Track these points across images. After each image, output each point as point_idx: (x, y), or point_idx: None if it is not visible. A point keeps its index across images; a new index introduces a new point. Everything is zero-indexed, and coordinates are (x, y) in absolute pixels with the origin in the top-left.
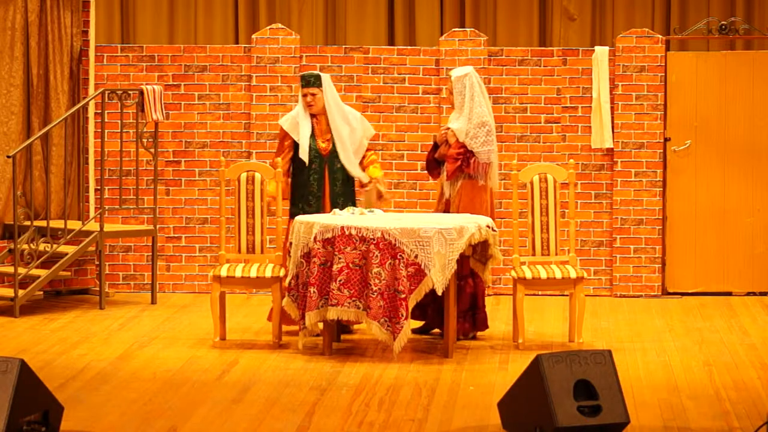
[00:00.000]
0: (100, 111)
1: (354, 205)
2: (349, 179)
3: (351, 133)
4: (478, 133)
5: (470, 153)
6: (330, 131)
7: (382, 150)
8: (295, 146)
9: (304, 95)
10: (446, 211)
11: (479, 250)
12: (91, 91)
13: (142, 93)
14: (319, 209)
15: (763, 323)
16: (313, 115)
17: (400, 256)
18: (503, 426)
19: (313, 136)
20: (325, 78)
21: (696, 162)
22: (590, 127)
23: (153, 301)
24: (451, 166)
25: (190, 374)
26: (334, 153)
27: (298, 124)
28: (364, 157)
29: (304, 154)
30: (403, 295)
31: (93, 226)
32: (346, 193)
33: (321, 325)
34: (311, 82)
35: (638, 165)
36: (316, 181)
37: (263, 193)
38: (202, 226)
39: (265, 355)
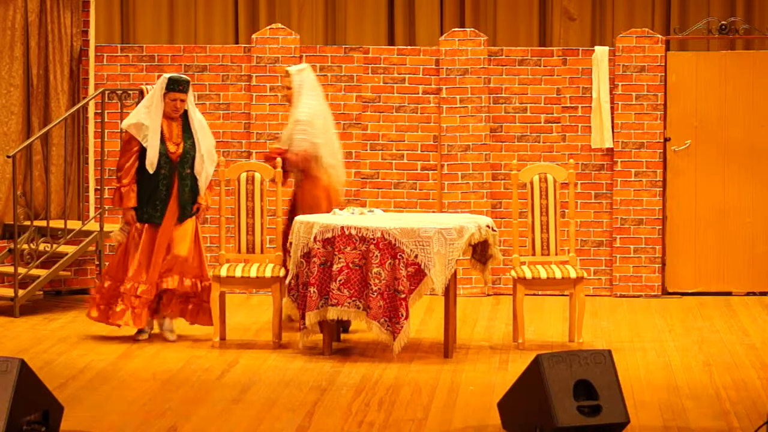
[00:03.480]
0: (100, 111)
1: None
2: (195, 185)
3: (203, 140)
4: (296, 128)
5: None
6: (182, 135)
7: (382, 150)
8: (141, 150)
9: (174, 100)
10: (292, 211)
11: (479, 250)
12: (91, 91)
13: (142, 93)
14: (164, 214)
15: (763, 323)
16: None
17: (400, 256)
18: (503, 426)
19: (161, 139)
20: (190, 84)
21: (696, 162)
22: (590, 127)
23: None
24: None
25: (190, 374)
26: (185, 158)
27: (143, 126)
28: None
29: (153, 160)
30: (403, 295)
31: (93, 226)
32: (192, 199)
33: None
34: (184, 87)
35: (638, 165)
36: (165, 186)
37: (263, 193)
38: (202, 226)
39: (265, 355)
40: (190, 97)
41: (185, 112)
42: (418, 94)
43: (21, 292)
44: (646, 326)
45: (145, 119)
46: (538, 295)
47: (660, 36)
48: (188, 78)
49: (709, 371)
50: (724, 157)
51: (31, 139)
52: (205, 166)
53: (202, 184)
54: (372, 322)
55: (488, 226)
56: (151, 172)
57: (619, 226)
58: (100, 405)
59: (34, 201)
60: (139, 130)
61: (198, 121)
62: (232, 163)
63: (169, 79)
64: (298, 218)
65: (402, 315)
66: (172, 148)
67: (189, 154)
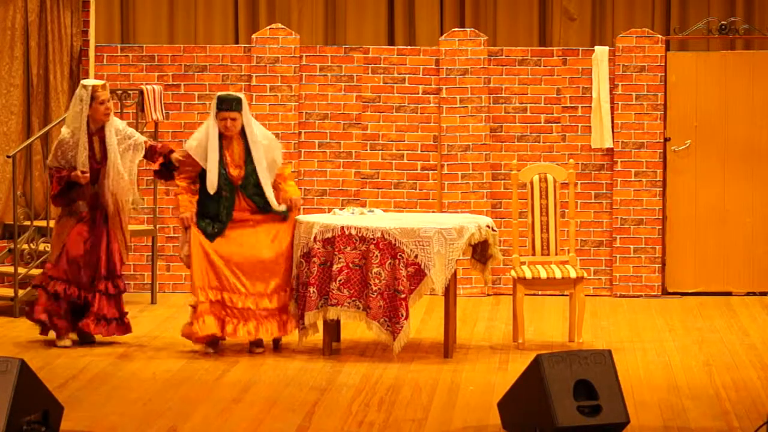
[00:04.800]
0: None
1: None
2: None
3: (266, 155)
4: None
5: None
6: (243, 158)
7: (382, 150)
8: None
9: (224, 119)
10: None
11: (479, 250)
12: None
13: (142, 93)
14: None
15: (763, 323)
16: (222, 139)
17: (400, 256)
18: (503, 426)
19: (222, 163)
20: (245, 101)
21: (696, 162)
22: (590, 127)
23: (153, 301)
24: None
25: (190, 374)
26: (247, 181)
27: (201, 149)
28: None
29: (213, 181)
30: (403, 295)
31: None
32: (265, 206)
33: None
34: (231, 106)
35: (638, 165)
36: (226, 209)
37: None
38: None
39: (265, 355)
40: (247, 115)
41: (244, 132)
42: (418, 94)
43: (21, 292)
44: (646, 326)
45: (204, 141)
46: (538, 295)
47: (660, 36)
48: (239, 96)
49: (709, 371)
50: (724, 157)
51: (31, 139)
52: (269, 176)
53: (271, 197)
54: (372, 322)
55: (488, 226)
56: (211, 192)
57: (619, 226)
58: (100, 405)
59: (34, 201)
60: (197, 152)
61: (254, 141)
62: None
63: (218, 98)
64: (298, 218)
65: (402, 315)
66: (234, 171)
67: (251, 179)
